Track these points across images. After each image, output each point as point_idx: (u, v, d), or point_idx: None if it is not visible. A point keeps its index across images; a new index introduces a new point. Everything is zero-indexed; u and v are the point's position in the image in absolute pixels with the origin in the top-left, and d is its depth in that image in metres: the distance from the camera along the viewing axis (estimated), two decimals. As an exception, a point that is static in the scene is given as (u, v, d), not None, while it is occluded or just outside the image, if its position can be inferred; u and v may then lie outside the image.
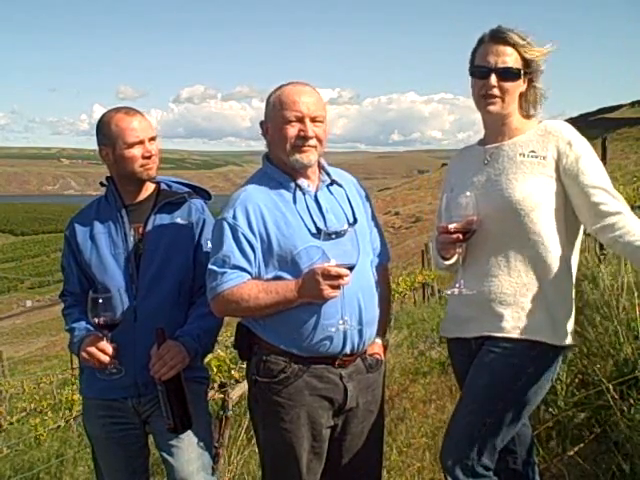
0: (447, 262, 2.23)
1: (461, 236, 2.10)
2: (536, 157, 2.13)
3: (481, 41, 2.17)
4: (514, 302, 2.11)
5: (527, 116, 2.22)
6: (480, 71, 2.14)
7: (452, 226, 2.09)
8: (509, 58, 2.10)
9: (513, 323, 2.10)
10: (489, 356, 2.12)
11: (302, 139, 2.16)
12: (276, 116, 2.17)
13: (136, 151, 2.34)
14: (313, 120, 2.17)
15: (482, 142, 2.30)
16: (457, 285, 2.17)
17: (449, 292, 2.21)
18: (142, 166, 2.36)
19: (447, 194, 2.21)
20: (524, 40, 2.12)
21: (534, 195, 2.09)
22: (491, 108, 2.15)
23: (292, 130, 2.15)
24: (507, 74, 2.11)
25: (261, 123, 2.27)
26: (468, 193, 2.11)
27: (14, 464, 5.68)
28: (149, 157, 2.36)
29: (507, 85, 2.12)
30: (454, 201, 2.12)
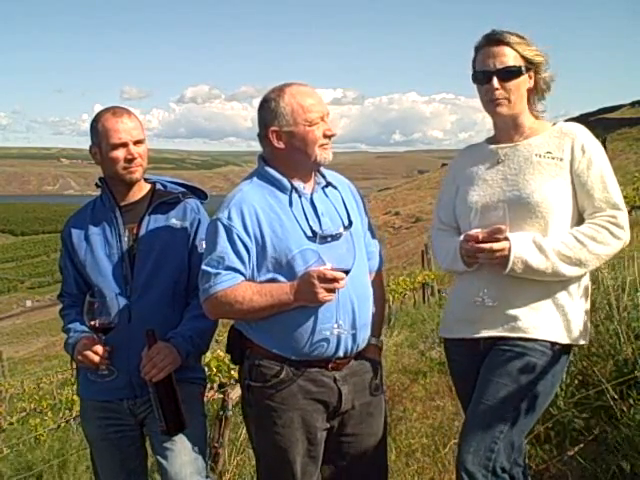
0: (470, 269, 2.18)
1: (493, 247, 2.05)
2: (553, 158, 2.13)
3: (478, 48, 2.18)
4: (527, 303, 2.11)
5: (538, 114, 2.22)
6: (481, 76, 2.14)
7: (480, 234, 2.06)
8: (507, 58, 2.10)
9: (528, 323, 2.10)
10: (505, 356, 2.12)
11: (328, 137, 2.19)
12: (301, 120, 2.14)
13: (119, 153, 2.32)
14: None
15: (492, 141, 2.29)
16: (480, 295, 2.13)
17: (472, 301, 2.15)
18: (125, 169, 2.34)
19: (448, 193, 2.23)
20: (520, 38, 2.12)
21: (551, 196, 2.10)
22: (499, 110, 2.15)
23: (318, 131, 2.16)
24: (508, 74, 2.10)
25: (271, 131, 2.17)
26: (501, 204, 2.09)
27: (15, 464, 5.68)
28: (132, 160, 2.33)
29: (510, 84, 2.11)
30: (486, 211, 2.10)
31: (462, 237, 2.15)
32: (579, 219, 2.16)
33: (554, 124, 2.22)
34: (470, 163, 2.31)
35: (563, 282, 2.13)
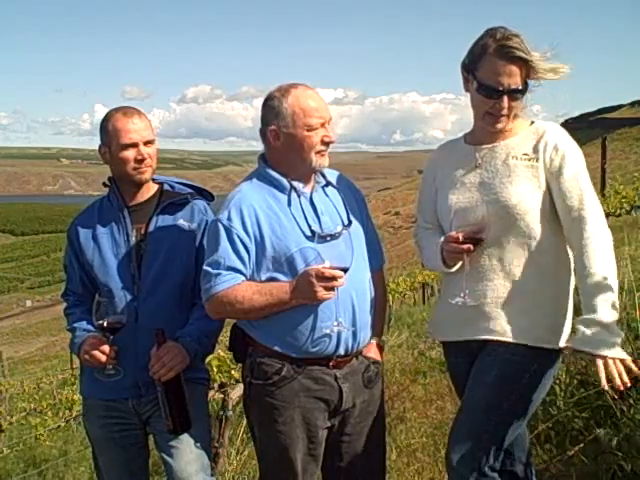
0: (451, 270, 2.20)
1: (472, 247, 2.08)
2: (529, 160, 2.12)
3: (485, 50, 2.06)
4: (510, 306, 2.11)
5: (515, 116, 2.18)
6: (492, 92, 2.06)
7: (460, 235, 2.08)
8: (519, 78, 2.05)
9: (510, 327, 2.10)
10: (492, 356, 2.12)
11: (326, 144, 2.18)
12: (300, 124, 2.13)
13: (129, 153, 2.32)
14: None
15: (471, 139, 2.26)
16: (462, 295, 2.15)
17: (453, 302, 2.17)
18: (135, 169, 2.34)
19: (428, 193, 2.27)
20: (529, 55, 2.03)
21: (528, 199, 2.09)
22: (499, 126, 2.13)
23: (316, 137, 2.15)
24: (517, 93, 2.07)
25: (270, 130, 2.17)
26: (480, 207, 2.10)
27: (15, 463, 5.69)
28: (142, 160, 2.33)
29: (515, 103, 2.09)
30: (466, 213, 2.11)
31: (442, 238, 2.17)
32: (557, 219, 2.12)
33: (532, 123, 2.19)
34: (449, 163, 2.28)
35: (553, 286, 2.13)
